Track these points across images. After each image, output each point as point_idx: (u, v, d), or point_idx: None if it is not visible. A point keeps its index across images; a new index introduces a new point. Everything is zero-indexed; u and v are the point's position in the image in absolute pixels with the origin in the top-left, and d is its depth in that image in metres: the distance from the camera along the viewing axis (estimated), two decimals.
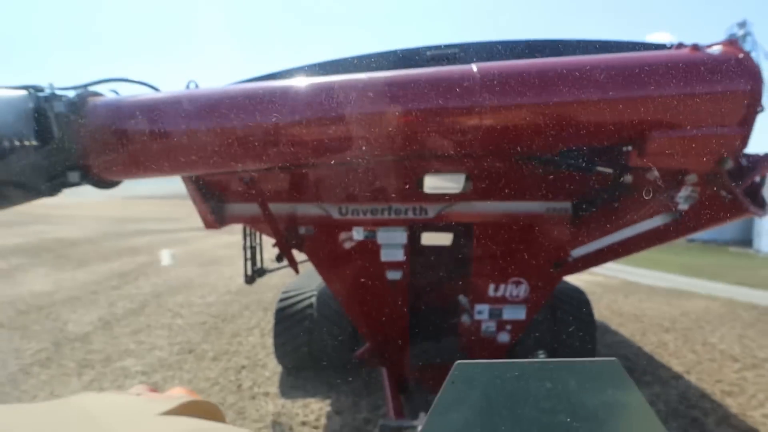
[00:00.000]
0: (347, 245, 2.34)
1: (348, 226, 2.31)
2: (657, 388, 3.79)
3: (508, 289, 2.39)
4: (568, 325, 3.62)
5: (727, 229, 14.48)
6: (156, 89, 1.72)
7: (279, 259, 2.49)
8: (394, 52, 2.55)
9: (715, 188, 1.80)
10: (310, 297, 3.84)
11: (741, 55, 1.46)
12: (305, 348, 3.74)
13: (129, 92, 1.69)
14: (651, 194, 1.98)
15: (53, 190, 1.55)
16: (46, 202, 1.64)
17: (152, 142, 1.52)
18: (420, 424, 2.10)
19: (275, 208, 2.27)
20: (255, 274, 3.09)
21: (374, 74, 1.53)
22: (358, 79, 1.53)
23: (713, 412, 3.41)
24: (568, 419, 0.31)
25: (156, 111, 1.53)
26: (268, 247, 2.74)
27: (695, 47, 1.52)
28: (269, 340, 4.28)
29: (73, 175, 1.55)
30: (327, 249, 2.37)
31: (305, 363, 3.84)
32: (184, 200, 2.73)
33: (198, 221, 2.45)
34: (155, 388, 0.57)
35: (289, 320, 3.76)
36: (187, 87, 1.73)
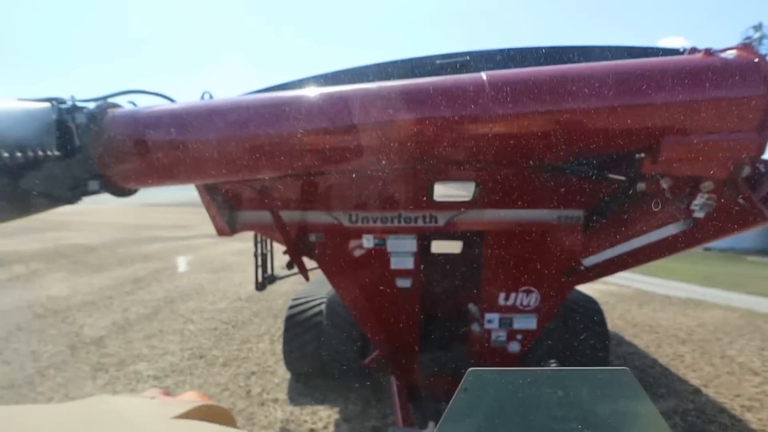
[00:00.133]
0: (357, 253, 2.35)
1: (358, 233, 2.32)
2: (673, 401, 3.69)
3: (519, 298, 2.36)
4: (581, 336, 3.56)
5: (746, 237, 14.11)
6: (172, 100, 1.76)
7: (289, 266, 2.51)
8: (405, 61, 2.58)
9: (731, 196, 1.76)
10: (319, 304, 3.85)
11: (756, 60, 1.43)
12: (314, 355, 3.74)
13: (146, 103, 1.74)
14: (665, 202, 1.95)
15: (74, 198, 1.60)
16: (64, 209, 1.69)
17: (168, 151, 1.56)
18: None
19: (286, 215, 2.30)
20: (266, 281, 3.11)
21: (385, 84, 1.54)
22: (369, 88, 1.55)
23: (732, 427, 3.31)
24: (580, 427, 0.31)
25: (172, 121, 1.57)
26: (279, 255, 2.77)
27: (708, 52, 1.50)
28: (279, 347, 4.30)
29: (93, 184, 1.59)
30: (337, 256, 2.38)
31: (314, 370, 3.83)
32: (197, 208, 2.78)
33: (210, 228, 2.49)
34: (169, 392, 0.58)
35: (298, 327, 3.77)
36: (202, 97, 1.77)
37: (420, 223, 2.28)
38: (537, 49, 2.40)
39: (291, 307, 3.93)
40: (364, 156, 1.53)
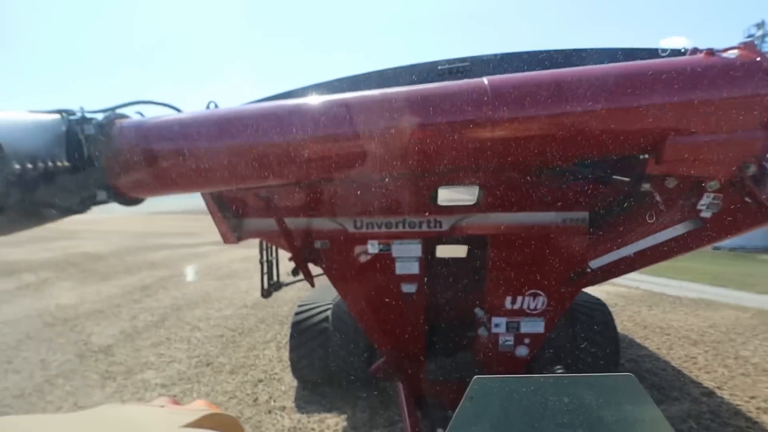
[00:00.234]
0: (362, 259, 2.35)
1: (363, 239, 2.32)
2: (687, 404, 3.63)
3: (526, 302, 2.35)
4: (590, 339, 3.52)
5: (756, 235, 13.93)
6: (178, 110, 1.78)
7: (295, 273, 2.52)
8: (406, 67, 2.60)
9: (738, 195, 1.75)
10: (325, 310, 3.85)
11: (758, 58, 1.43)
12: (321, 362, 3.73)
13: (153, 114, 1.76)
14: (671, 203, 1.94)
15: (83, 208, 1.62)
16: (74, 218, 1.71)
17: (175, 160, 1.58)
18: None
19: (291, 222, 2.31)
20: (271, 288, 3.12)
21: (388, 90, 1.56)
22: (371, 95, 1.56)
23: (748, 430, 3.25)
24: None
25: (179, 131, 1.59)
26: (284, 261, 2.78)
27: (710, 52, 1.50)
28: (285, 354, 4.30)
29: (102, 194, 1.61)
30: (342, 262, 2.38)
31: (321, 377, 3.82)
32: (203, 215, 2.80)
33: (216, 236, 2.50)
34: (177, 401, 0.59)
35: (304, 334, 3.77)
36: (207, 107, 1.80)
37: (425, 227, 2.28)
38: (537, 53, 2.40)
39: (297, 314, 3.93)
40: (368, 163, 1.54)
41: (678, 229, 2.11)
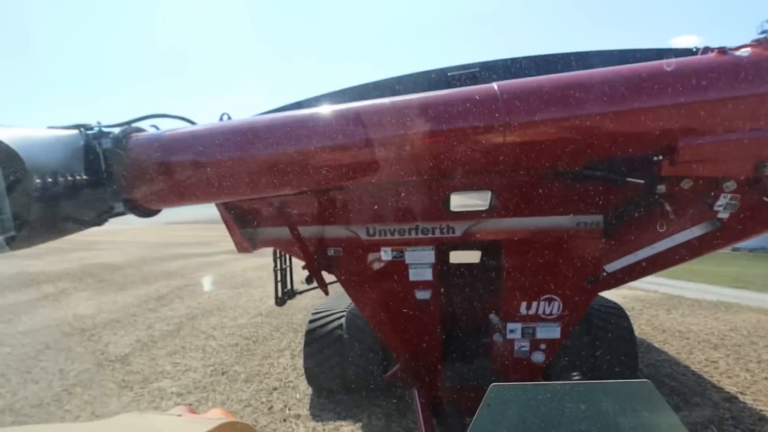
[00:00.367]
0: (375, 266, 2.36)
1: (376, 246, 2.33)
2: (709, 410, 3.52)
3: (541, 307, 2.32)
4: (607, 344, 3.45)
5: None
6: (192, 123, 1.83)
7: (309, 280, 2.54)
8: (416, 75, 2.62)
9: (756, 194, 1.72)
10: (339, 317, 3.85)
11: None
12: (336, 369, 3.72)
13: (167, 127, 1.81)
14: (687, 204, 1.90)
15: (101, 221, 1.67)
16: (91, 230, 1.76)
17: (190, 172, 1.61)
18: None
19: (304, 231, 2.33)
20: (285, 296, 3.14)
21: (399, 98, 1.57)
22: (381, 103, 1.58)
23: None
24: None
25: (193, 143, 1.63)
26: (298, 269, 2.80)
27: (722, 50, 1.49)
28: (300, 362, 4.30)
29: (119, 206, 1.66)
30: (355, 270, 2.39)
31: (336, 385, 3.82)
32: (217, 225, 2.84)
33: (230, 245, 2.54)
34: (194, 409, 0.60)
35: (319, 342, 3.77)
36: (221, 119, 1.84)
37: (437, 233, 2.28)
38: (548, 57, 2.40)
39: (311, 321, 3.94)
40: (381, 170, 1.55)
41: (695, 231, 2.07)
